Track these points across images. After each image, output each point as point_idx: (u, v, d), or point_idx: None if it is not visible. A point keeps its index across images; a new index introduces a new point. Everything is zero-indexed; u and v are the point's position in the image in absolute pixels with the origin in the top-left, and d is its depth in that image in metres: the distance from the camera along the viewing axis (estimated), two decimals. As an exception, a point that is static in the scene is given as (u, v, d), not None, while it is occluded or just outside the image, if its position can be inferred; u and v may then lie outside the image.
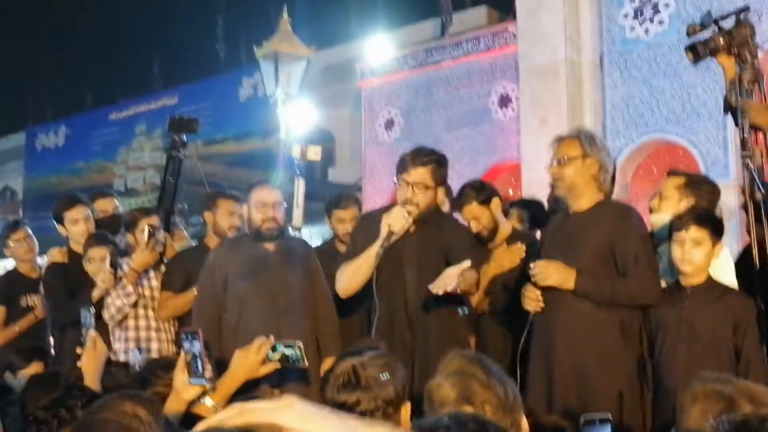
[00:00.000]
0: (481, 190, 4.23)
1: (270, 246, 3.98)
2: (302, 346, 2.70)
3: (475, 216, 4.15)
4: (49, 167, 18.21)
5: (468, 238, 3.83)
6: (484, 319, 4.08)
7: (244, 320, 3.80)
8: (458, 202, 4.28)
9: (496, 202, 4.21)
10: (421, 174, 3.58)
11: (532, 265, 3.38)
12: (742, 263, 3.44)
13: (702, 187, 3.68)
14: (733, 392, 1.79)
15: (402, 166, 3.64)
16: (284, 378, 3.51)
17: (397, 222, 3.47)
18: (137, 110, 16.74)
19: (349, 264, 3.66)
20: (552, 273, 3.32)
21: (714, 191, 3.74)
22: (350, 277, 3.66)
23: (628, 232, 3.33)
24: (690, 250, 3.20)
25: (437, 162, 3.64)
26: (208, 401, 2.56)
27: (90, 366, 2.70)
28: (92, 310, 2.88)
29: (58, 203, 4.87)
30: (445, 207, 4.38)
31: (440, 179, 3.66)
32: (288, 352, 2.70)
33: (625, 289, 3.30)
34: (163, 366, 2.71)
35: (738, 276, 3.41)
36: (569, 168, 3.38)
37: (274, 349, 2.70)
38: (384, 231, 3.49)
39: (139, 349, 4.29)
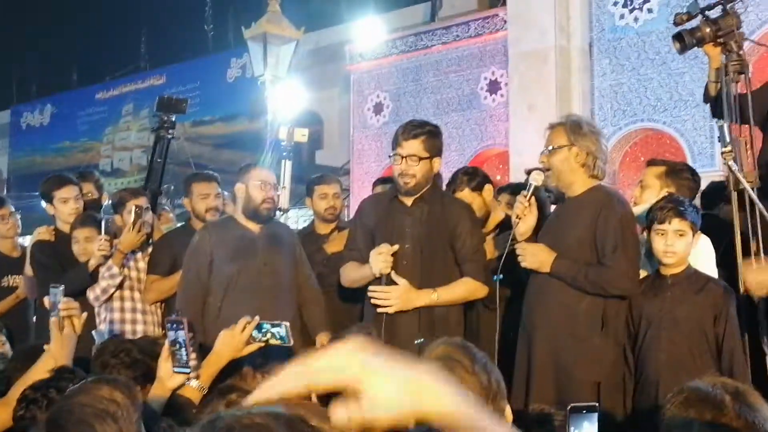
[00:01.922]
0: (473, 177, 4.24)
1: (256, 229, 3.96)
2: (288, 326, 2.71)
3: (468, 203, 4.17)
4: (35, 146, 18.07)
5: (471, 218, 3.80)
6: (475, 304, 4.08)
7: (227, 303, 3.80)
8: (450, 188, 4.29)
9: (488, 189, 4.22)
10: (413, 146, 3.59)
11: (516, 246, 3.41)
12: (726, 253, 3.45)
13: (682, 176, 3.69)
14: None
15: (395, 141, 3.66)
16: (269, 359, 3.51)
17: (385, 266, 3.50)
18: (124, 90, 16.61)
19: (351, 271, 3.73)
20: (527, 256, 3.34)
21: (694, 179, 3.76)
22: (352, 282, 3.77)
23: (609, 220, 3.32)
24: (673, 242, 3.20)
25: (429, 133, 3.64)
26: (193, 382, 2.58)
27: (58, 350, 2.69)
28: (61, 287, 2.85)
29: (47, 182, 4.80)
30: None
31: (434, 150, 3.64)
32: (274, 331, 2.71)
33: (599, 277, 3.28)
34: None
35: (722, 265, 3.43)
36: (556, 157, 3.38)
37: (260, 328, 2.71)
38: (377, 274, 3.52)
39: (121, 333, 4.27)
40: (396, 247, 3.51)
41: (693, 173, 3.80)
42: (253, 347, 2.74)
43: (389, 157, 3.70)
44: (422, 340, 3.37)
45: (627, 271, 3.30)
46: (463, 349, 1.94)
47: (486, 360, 1.94)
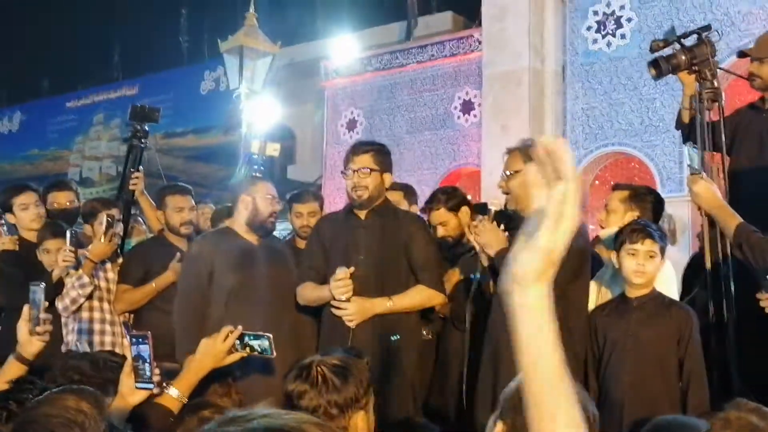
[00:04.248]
0: (451, 197, 4.28)
1: (255, 241, 3.96)
2: (272, 337, 2.68)
3: (442, 221, 4.20)
4: (2, 153, 17.83)
5: (424, 229, 3.87)
6: (446, 323, 4.10)
7: (230, 313, 3.76)
8: (428, 205, 4.33)
9: (465, 210, 4.24)
10: (363, 160, 3.72)
11: (477, 220, 3.46)
12: (692, 270, 3.48)
13: (646, 199, 3.75)
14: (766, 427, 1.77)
15: (346, 160, 3.79)
16: (252, 369, 3.48)
17: (346, 291, 3.56)
18: (96, 99, 16.49)
19: (308, 291, 3.78)
20: (483, 233, 3.38)
21: (658, 202, 3.81)
22: (309, 302, 3.81)
23: None
24: (644, 262, 3.24)
25: (378, 150, 3.78)
26: (173, 391, 2.54)
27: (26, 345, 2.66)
28: (42, 285, 2.80)
29: (4, 191, 4.75)
30: (404, 208, 4.42)
31: (383, 165, 3.75)
32: (255, 343, 2.68)
33: None
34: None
35: (687, 283, 3.48)
36: (514, 181, 3.41)
37: (241, 339, 2.69)
38: (341, 299, 3.57)
39: (90, 344, 4.22)
40: (352, 269, 3.56)
41: (656, 196, 3.86)
42: (235, 357, 2.71)
43: (342, 173, 3.77)
44: (397, 337, 3.55)
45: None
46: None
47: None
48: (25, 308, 2.76)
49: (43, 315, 2.73)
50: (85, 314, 4.30)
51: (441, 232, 4.21)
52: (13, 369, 2.70)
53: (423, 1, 12.32)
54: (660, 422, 2.07)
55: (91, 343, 4.22)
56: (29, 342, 2.74)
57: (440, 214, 4.21)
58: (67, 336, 4.29)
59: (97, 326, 4.32)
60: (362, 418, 2.08)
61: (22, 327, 2.76)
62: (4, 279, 4.54)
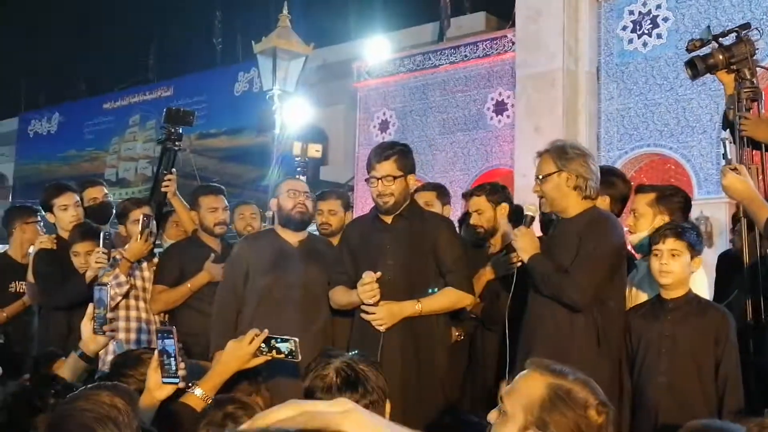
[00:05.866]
0: (496, 191, 4.30)
1: (295, 242, 3.99)
2: (298, 341, 2.69)
3: (479, 209, 4.22)
4: (41, 154, 18.14)
5: (450, 231, 3.85)
6: (477, 323, 4.08)
7: (260, 313, 3.81)
8: (470, 191, 4.34)
9: (504, 207, 4.24)
10: (386, 167, 3.68)
11: (517, 229, 3.44)
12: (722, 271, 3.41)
13: (673, 200, 3.68)
14: None
15: (369, 166, 3.76)
16: (277, 372, 3.49)
17: (372, 296, 3.56)
18: (132, 101, 16.70)
19: (340, 296, 3.79)
20: (519, 238, 3.37)
21: (685, 201, 3.75)
22: (341, 306, 3.81)
23: (589, 237, 3.30)
24: (668, 261, 3.19)
25: (400, 153, 3.74)
26: (198, 391, 2.56)
27: (89, 340, 2.73)
28: (108, 285, 2.85)
29: (46, 191, 4.84)
30: (436, 208, 4.41)
31: (407, 168, 3.73)
32: (282, 346, 2.68)
33: (558, 282, 3.26)
34: (132, 362, 2.72)
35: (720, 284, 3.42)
36: (547, 185, 3.38)
37: (267, 341, 2.70)
38: (370, 303, 3.58)
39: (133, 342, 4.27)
40: (379, 273, 3.55)
41: (683, 195, 3.79)
42: (260, 360, 2.73)
43: (366, 180, 3.77)
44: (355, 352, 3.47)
45: (584, 286, 3.25)
46: (589, 381, 1.89)
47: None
48: (90, 307, 2.82)
49: (110, 314, 2.78)
50: (122, 312, 4.35)
51: (475, 218, 4.22)
52: (77, 366, 2.76)
53: (456, 2, 12.31)
54: (696, 426, 2.04)
55: (127, 342, 4.26)
56: (93, 340, 2.81)
57: (480, 201, 4.23)
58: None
59: (133, 324, 4.37)
60: (387, 404, 2.13)
61: (86, 325, 2.83)
62: (41, 278, 4.61)
